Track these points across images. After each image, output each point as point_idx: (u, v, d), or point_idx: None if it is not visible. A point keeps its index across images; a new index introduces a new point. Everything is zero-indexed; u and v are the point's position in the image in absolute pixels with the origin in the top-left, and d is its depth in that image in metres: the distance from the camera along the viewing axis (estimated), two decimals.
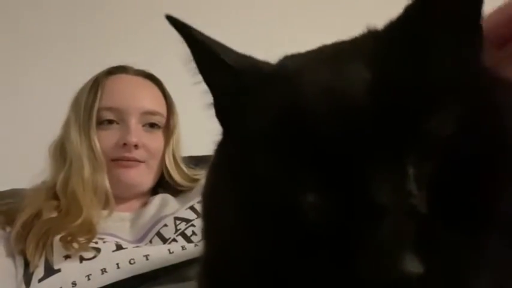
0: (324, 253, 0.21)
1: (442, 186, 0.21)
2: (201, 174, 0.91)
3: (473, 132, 0.22)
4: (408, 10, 0.26)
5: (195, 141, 0.98)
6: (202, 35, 0.30)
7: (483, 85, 0.25)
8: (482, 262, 0.21)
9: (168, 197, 0.89)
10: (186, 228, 0.79)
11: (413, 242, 0.20)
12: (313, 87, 0.25)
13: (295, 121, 0.24)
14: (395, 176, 0.21)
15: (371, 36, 0.28)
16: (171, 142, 0.92)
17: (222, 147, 0.31)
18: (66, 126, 0.86)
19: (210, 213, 0.31)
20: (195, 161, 0.97)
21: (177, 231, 0.79)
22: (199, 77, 0.32)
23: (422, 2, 0.25)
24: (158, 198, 0.88)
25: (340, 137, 0.22)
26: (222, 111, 0.32)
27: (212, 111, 0.33)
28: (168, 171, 0.91)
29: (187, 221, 0.81)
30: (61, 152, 0.85)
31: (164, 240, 0.78)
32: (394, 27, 0.27)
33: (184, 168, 0.94)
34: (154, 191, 0.93)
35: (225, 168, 0.29)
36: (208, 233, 0.32)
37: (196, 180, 0.91)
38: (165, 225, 0.80)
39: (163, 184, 0.93)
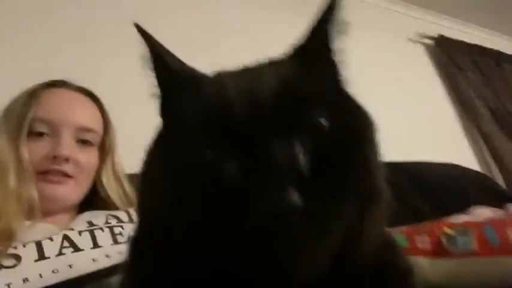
0: (236, 204, 0.29)
1: (318, 158, 0.31)
2: None
3: (338, 126, 0.33)
4: (297, 49, 0.40)
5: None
6: (158, 44, 0.39)
7: (345, 100, 0.38)
8: (340, 210, 0.30)
9: (97, 211, 0.87)
10: (115, 226, 0.78)
11: (297, 186, 0.28)
12: (235, 87, 0.34)
13: (218, 110, 0.33)
14: (287, 148, 0.30)
15: (281, 59, 0.40)
16: (108, 161, 0.91)
17: (159, 137, 0.39)
18: None
19: (146, 187, 0.37)
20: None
21: (107, 223, 0.78)
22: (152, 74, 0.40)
23: (302, 47, 0.39)
24: (87, 214, 0.86)
25: (250, 122, 0.31)
26: (164, 105, 0.40)
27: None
28: (104, 190, 0.90)
29: (118, 219, 0.81)
30: None
31: (92, 224, 0.77)
32: (293, 55, 0.40)
33: (128, 190, 0.92)
34: (82, 208, 0.90)
35: (161, 149, 0.37)
36: (143, 205, 0.38)
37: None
38: (97, 216, 0.80)
39: (93, 201, 0.91)
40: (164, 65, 0.39)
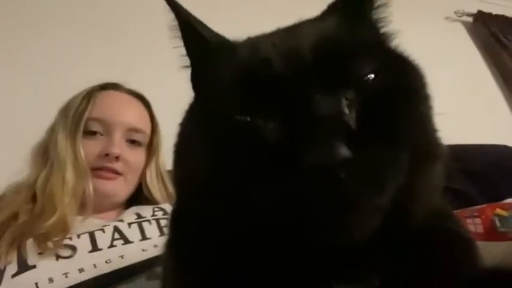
0: (279, 162, 0.27)
1: (366, 111, 0.29)
2: None
3: (384, 78, 0.31)
4: (335, 4, 0.38)
5: None
6: (187, 12, 0.38)
7: (389, 53, 0.36)
8: (393, 163, 0.28)
9: (142, 206, 0.91)
10: (161, 218, 0.82)
11: (344, 138, 0.26)
12: (272, 44, 0.33)
13: (256, 67, 0.31)
14: (332, 101, 0.28)
15: (318, 17, 0.38)
16: (153, 160, 0.96)
17: (192, 107, 0.37)
18: (52, 130, 0.89)
19: (182, 158, 0.36)
20: None
21: (154, 216, 0.82)
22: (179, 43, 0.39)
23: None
24: (133, 209, 0.90)
25: (291, 76, 0.29)
26: (196, 74, 0.39)
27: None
28: (148, 188, 0.94)
29: (164, 211, 0.84)
30: (43, 155, 0.87)
31: (140, 216, 0.81)
32: (331, 11, 0.37)
33: (170, 188, 0.95)
34: (129, 204, 0.94)
35: (196, 119, 0.35)
36: (180, 176, 0.37)
37: None
38: (144, 209, 0.84)
39: (138, 199, 0.95)
40: (194, 32, 0.37)
